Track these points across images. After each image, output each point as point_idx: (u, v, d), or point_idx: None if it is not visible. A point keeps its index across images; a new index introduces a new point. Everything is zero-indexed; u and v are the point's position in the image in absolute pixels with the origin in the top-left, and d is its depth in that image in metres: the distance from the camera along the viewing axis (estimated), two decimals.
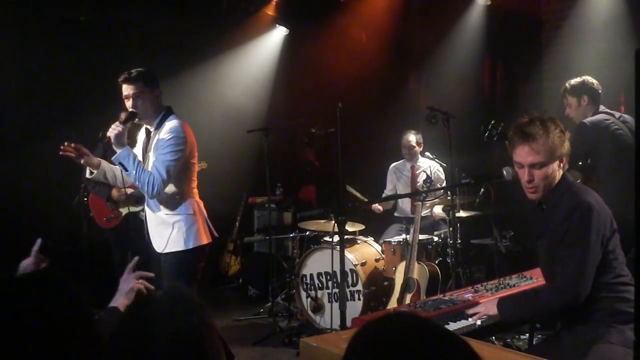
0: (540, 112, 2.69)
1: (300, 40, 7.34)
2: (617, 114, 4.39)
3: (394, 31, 7.12)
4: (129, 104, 3.58)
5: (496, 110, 6.60)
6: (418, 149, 6.09)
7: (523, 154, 2.60)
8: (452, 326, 2.59)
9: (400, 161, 6.26)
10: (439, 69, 6.83)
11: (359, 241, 5.55)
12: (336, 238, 4.66)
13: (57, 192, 5.84)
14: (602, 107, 4.40)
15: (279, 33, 7.41)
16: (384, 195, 6.30)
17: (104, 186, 5.28)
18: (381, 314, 2.38)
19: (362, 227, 5.69)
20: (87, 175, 3.70)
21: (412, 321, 1.17)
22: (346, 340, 1.17)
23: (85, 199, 5.48)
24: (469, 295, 2.90)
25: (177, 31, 6.66)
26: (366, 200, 5.95)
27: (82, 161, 3.55)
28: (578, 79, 4.44)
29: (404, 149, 6.11)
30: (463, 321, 2.63)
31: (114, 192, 5.23)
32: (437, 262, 5.12)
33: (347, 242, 5.32)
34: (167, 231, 3.66)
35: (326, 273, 5.28)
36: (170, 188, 3.64)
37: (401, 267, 4.92)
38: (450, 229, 4.89)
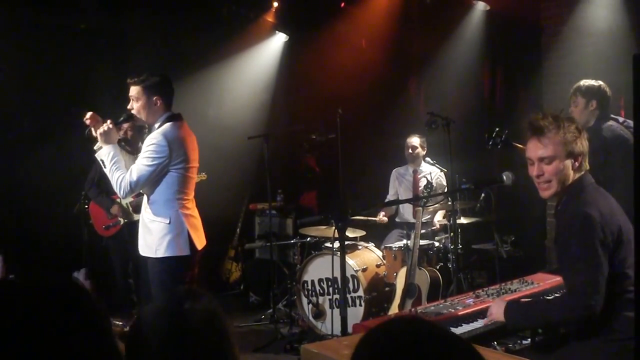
0: (556, 111, 2.66)
1: (300, 46, 7.35)
2: (621, 119, 4.37)
3: (393, 37, 7.13)
4: (129, 105, 3.72)
5: (496, 115, 6.60)
6: (421, 152, 6.06)
7: (532, 148, 2.56)
8: (453, 331, 2.58)
9: (402, 166, 6.25)
10: (438, 75, 6.84)
11: (360, 247, 5.55)
12: (337, 244, 4.66)
13: (58, 199, 5.84)
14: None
15: (279, 40, 7.42)
16: (386, 200, 6.28)
17: (106, 197, 5.30)
18: (384, 318, 2.37)
19: (363, 232, 5.68)
20: (95, 147, 3.72)
21: (417, 325, 1.18)
22: (347, 347, 1.18)
23: (86, 206, 5.50)
24: (470, 301, 2.90)
25: (177, 39, 6.67)
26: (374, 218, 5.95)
27: (100, 130, 3.62)
28: (594, 82, 4.32)
29: (407, 150, 6.08)
30: (464, 326, 2.63)
31: (114, 208, 5.26)
32: (438, 267, 5.11)
33: (348, 248, 5.31)
34: (147, 236, 3.71)
35: (327, 279, 5.27)
36: (154, 195, 3.67)
37: (402, 272, 4.91)
38: (451, 234, 4.88)
